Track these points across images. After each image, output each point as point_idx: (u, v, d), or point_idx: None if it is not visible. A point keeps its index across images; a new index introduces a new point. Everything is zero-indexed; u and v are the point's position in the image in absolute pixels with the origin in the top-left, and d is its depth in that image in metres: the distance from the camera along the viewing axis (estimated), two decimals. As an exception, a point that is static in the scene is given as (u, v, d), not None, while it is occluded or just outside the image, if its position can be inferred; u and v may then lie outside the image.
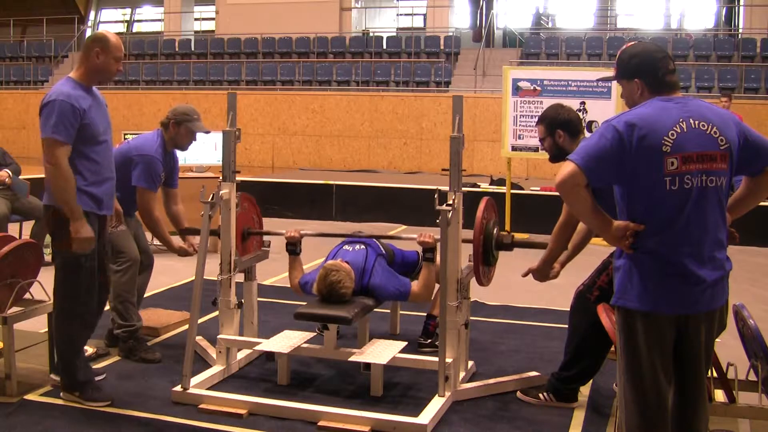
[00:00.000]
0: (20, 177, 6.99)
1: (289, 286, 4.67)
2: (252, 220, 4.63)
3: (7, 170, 6.80)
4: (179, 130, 4.65)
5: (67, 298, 3.81)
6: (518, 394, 4.00)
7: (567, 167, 2.60)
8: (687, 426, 2.80)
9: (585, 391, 4.03)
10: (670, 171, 2.59)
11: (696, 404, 2.80)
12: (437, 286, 4.63)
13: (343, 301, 4.22)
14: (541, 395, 3.92)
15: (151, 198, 4.57)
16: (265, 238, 4.77)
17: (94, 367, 4.35)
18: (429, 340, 4.73)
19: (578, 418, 3.80)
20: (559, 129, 3.93)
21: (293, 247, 4.54)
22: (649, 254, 2.64)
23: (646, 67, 2.74)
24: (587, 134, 3.90)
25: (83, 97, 3.72)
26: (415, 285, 4.43)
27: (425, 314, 4.86)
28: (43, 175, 3.77)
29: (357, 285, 4.33)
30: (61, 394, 3.88)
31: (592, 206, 2.66)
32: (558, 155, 3.94)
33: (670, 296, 2.64)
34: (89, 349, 4.49)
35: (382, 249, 4.63)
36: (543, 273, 3.91)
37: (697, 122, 2.64)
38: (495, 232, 4.07)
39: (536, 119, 4.15)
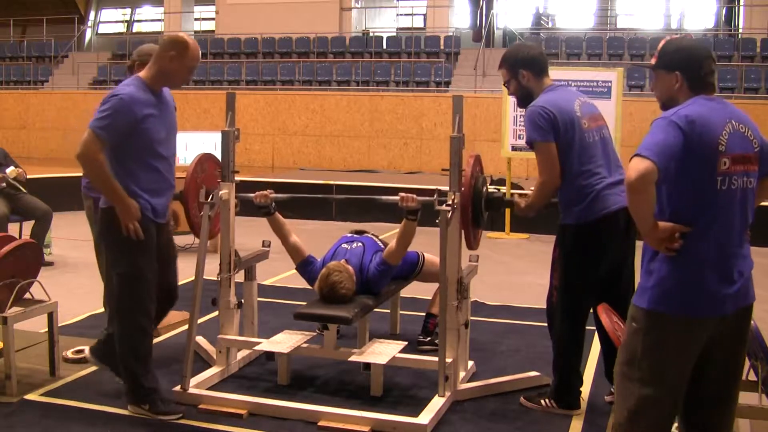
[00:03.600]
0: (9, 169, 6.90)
1: (288, 285, 4.67)
2: (217, 183, 4.31)
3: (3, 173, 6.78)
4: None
5: (127, 311, 3.71)
6: (522, 400, 3.98)
7: (642, 163, 2.49)
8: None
9: (585, 391, 4.02)
10: (722, 171, 2.58)
11: (729, 411, 2.77)
12: (437, 285, 4.63)
13: (342, 302, 4.22)
14: (543, 401, 3.91)
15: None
16: (265, 238, 4.76)
17: (94, 367, 4.36)
18: (428, 339, 4.73)
19: (578, 418, 3.80)
20: (522, 69, 3.77)
21: (266, 209, 4.43)
22: (693, 256, 2.59)
23: (691, 62, 2.71)
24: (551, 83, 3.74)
25: (146, 103, 3.63)
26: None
27: (424, 313, 4.87)
28: (43, 176, 3.77)
29: (357, 284, 4.33)
30: (129, 407, 3.75)
31: (653, 206, 2.58)
32: (525, 97, 3.79)
33: (712, 299, 2.60)
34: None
35: (380, 245, 4.63)
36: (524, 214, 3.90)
37: (738, 124, 2.64)
38: (484, 190, 3.94)
39: None
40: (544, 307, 3.95)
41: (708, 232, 2.60)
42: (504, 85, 3.92)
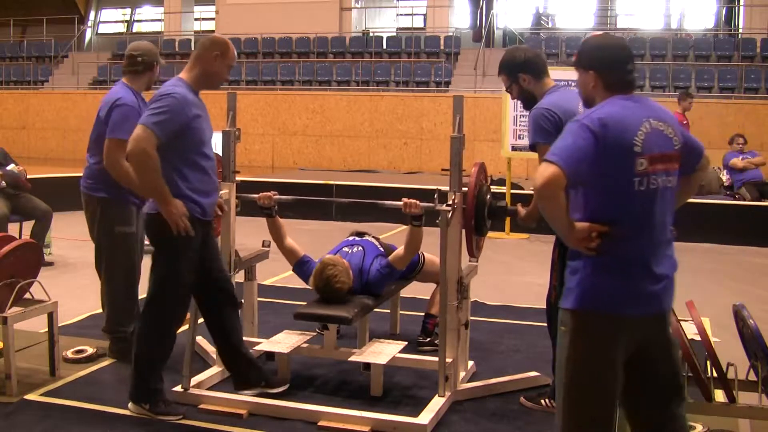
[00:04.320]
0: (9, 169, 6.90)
1: (288, 285, 4.67)
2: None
3: None
4: (157, 69, 4.55)
5: (158, 314, 3.72)
6: (521, 400, 3.98)
7: (548, 169, 2.46)
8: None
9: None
10: (639, 171, 2.54)
11: (675, 409, 2.71)
12: (436, 285, 4.63)
13: (339, 297, 4.20)
14: (543, 401, 3.90)
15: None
16: (265, 239, 4.75)
17: (94, 367, 4.36)
18: (428, 339, 4.73)
19: (578, 418, 3.79)
20: (521, 72, 3.75)
21: (268, 211, 4.44)
22: (615, 255, 2.57)
23: (607, 62, 2.69)
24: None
25: (194, 104, 3.66)
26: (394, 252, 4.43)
27: (424, 313, 4.87)
28: (43, 175, 3.77)
29: (357, 284, 4.32)
30: (129, 405, 3.75)
31: (566, 210, 2.56)
32: (529, 100, 3.77)
33: (636, 298, 2.58)
34: (89, 349, 4.49)
35: (381, 249, 4.63)
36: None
37: (656, 122, 2.61)
38: (488, 199, 3.94)
39: None
40: (544, 307, 3.95)
41: (629, 232, 2.57)
42: (506, 90, 3.90)
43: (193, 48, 15.79)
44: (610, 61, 2.68)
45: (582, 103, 2.80)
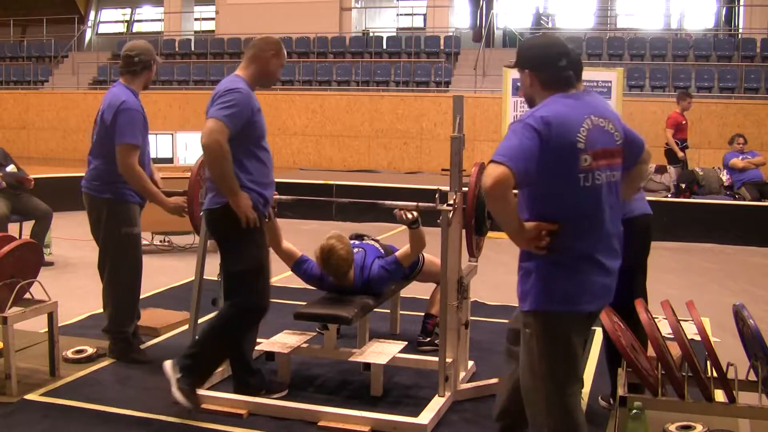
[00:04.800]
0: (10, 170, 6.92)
1: (289, 285, 4.67)
2: None
3: None
4: (154, 68, 4.56)
5: (248, 302, 3.78)
6: None
7: (496, 170, 2.48)
8: None
9: (585, 391, 4.02)
10: (583, 167, 2.59)
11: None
12: (435, 286, 4.63)
13: (342, 269, 4.22)
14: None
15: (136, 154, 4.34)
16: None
17: (94, 367, 4.36)
18: (428, 339, 4.73)
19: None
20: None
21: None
22: (566, 253, 2.60)
23: (541, 61, 2.72)
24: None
25: (255, 99, 3.76)
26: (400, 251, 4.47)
27: (424, 313, 4.87)
28: (43, 175, 3.77)
29: (358, 280, 4.32)
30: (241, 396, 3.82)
31: (515, 209, 2.59)
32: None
33: (592, 293, 2.65)
34: (89, 349, 4.50)
35: (381, 251, 4.63)
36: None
37: (597, 118, 2.64)
38: None
39: None
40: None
41: (578, 229, 2.62)
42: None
43: (192, 48, 15.73)
44: (541, 60, 2.72)
45: (525, 102, 2.84)
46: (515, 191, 2.56)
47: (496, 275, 6.89)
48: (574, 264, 2.62)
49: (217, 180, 3.64)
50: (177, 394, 3.66)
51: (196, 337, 3.95)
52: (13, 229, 6.53)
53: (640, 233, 3.71)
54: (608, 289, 2.69)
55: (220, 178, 3.60)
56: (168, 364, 3.74)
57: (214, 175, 3.63)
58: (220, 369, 4.18)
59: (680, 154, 10.77)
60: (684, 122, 10.93)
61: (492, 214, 2.64)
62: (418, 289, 5.42)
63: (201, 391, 3.91)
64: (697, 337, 3.45)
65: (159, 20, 24.39)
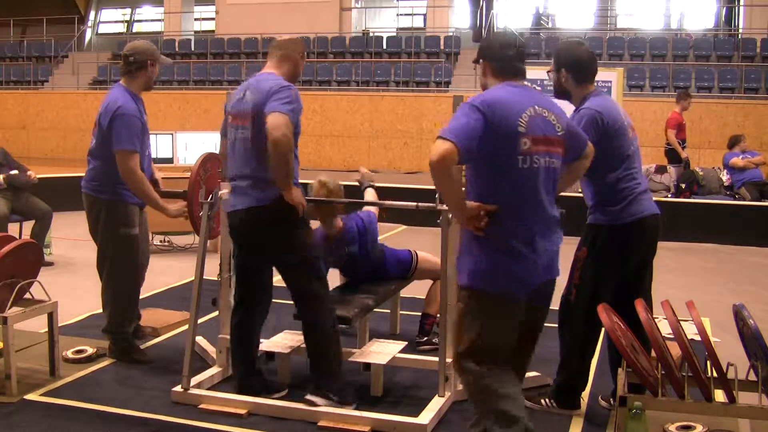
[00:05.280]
0: (13, 172, 6.93)
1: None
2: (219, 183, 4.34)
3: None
4: (155, 69, 4.52)
5: (322, 298, 3.83)
6: None
7: (443, 145, 2.71)
8: None
9: (585, 391, 4.02)
10: (522, 150, 2.81)
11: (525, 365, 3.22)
12: (433, 291, 4.63)
13: (332, 207, 4.43)
14: (543, 401, 3.90)
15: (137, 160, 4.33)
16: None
17: (94, 367, 4.37)
18: (425, 338, 4.73)
19: (578, 418, 3.80)
20: (565, 69, 3.70)
21: None
22: (504, 233, 2.81)
23: (491, 51, 3.07)
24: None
25: None
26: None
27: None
28: (42, 175, 3.77)
29: (361, 248, 4.53)
30: (316, 400, 3.73)
31: (458, 185, 2.84)
32: (564, 94, 3.75)
33: (527, 274, 2.85)
34: (89, 349, 4.50)
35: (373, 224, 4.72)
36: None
37: (540, 108, 2.89)
38: None
39: None
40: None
41: (515, 210, 2.84)
42: (547, 73, 3.85)
43: (192, 48, 15.72)
44: (493, 50, 3.06)
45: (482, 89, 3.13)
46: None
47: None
48: (510, 246, 2.82)
49: (282, 174, 3.61)
50: (351, 407, 3.73)
51: (312, 357, 3.86)
52: (13, 229, 6.53)
53: (650, 233, 3.73)
54: (543, 268, 2.92)
55: (285, 173, 3.61)
56: (314, 399, 3.72)
57: (282, 169, 3.60)
58: (219, 369, 4.18)
59: (684, 153, 10.77)
60: (683, 123, 10.93)
61: (436, 187, 2.87)
62: (418, 289, 5.41)
63: (201, 391, 3.91)
64: (697, 337, 3.45)
65: (159, 20, 24.39)
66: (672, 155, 10.86)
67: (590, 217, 3.75)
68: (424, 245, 5.40)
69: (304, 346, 4.22)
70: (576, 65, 3.72)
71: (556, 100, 3.30)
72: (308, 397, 3.74)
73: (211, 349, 4.47)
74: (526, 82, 3.05)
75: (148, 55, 4.45)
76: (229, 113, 3.85)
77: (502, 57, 3.02)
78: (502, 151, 2.80)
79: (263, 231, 3.78)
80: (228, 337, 4.25)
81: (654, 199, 3.89)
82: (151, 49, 4.51)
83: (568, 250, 4.01)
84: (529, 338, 3.11)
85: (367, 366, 4.07)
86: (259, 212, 3.72)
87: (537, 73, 9.27)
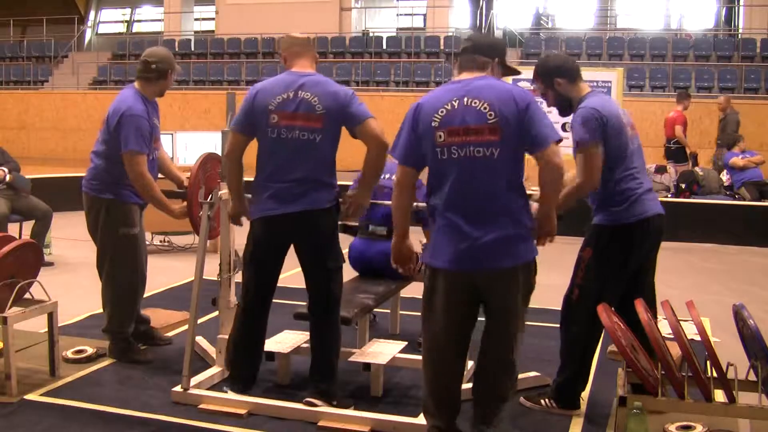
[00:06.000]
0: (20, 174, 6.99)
1: (288, 286, 4.66)
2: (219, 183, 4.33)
3: (3, 168, 6.79)
4: (173, 78, 4.54)
5: (340, 304, 3.88)
6: (521, 399, 3.97)
7: (399, 172, 3.17)
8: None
9: (585, 391, 4.02)
10: (439, 143, 3.05)
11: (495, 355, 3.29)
12: None
13: None
14: (542, 401, 3.90)
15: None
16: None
17: (94, 367, 4.36)
18: None
19: (578, 418, 3.79)
20: (557, 77, 3.72)
21: None
22: (445, 218, 3.08)
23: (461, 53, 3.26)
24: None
25: None
26: None
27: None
28: (43, 175, 3.77)
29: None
30: (334, 403, 3.73)
31: (405, 206, 3.24)
32: (565, 105, 3.75)
33: (463, 255, 3.03)
34: (89, 349, 4.49)
35: None
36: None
37: (470, 100, 3.02)
38: None
39: None
40: (544, 306, 3.96)
41: (441, 194, 3.07)
42: (542, 97, 3.83)
43: (192, 48, 15.67)
44: (461, 52, 3.29)
45: None
46: None
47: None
48: (449, 229, 3.06)
49: (376, 177, 3.77)
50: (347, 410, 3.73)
51: (321, 361, 3.85)
52: (13, 229, 6.53)
53: (655, 233, 3.72)
54: (473, 253, 3.02)
55: (376, 178, 3.77)
56: (315, 401, 3.71)
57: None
58: (219, 369, 4.18)
59: (692, 149, 10.80)
60: (686, 121, 10.98)
61: (393, 201, 3.23)
62: (418, 289, 5.41)
63: (201, 391, 3.91)
64: (697, 337, 3.45)
65: (159, 20, 24.39)
66: (677, 154, 10.85)
67: (594, 218, 3.76)
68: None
69: (304, 345, 4.23)
70: (563, 68, 3.76)
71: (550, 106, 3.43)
72: (309, 399, 3.73)
73: (211, 349, 4.47)
74: (481, 73, 3.16)
75: (170, 65, 4.46)
76: (275, 112, 3.65)
77: (460, 55, 3.28)
78: (426, 146, 3.08)
79: (317, 232, 3.75)
80: (226, 337, 4.25)
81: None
82: (172, 58, 4.54)
83: (570, 250, 4.02)
84: (496, 326, 3.23)
85: (367, 366, 4.07)
86: (324, 214, 3.70)
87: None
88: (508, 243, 3.04)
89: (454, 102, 3.04)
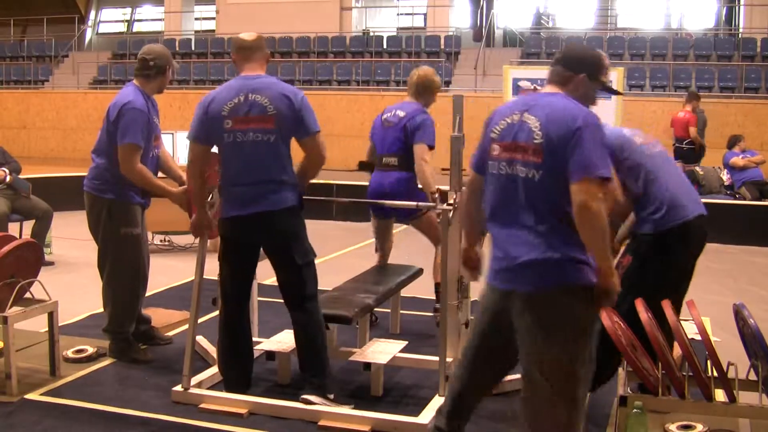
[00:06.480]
0: (20, 176, 7.00)
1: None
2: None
3: (4, 169, 6.80)
4: (169, 73, 4.56)
5: (317, 298, 3.92)
6: None
7: (470, 174, 3.09)
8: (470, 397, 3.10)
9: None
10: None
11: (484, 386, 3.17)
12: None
13: None
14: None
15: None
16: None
17: (94, 367, 4.37)
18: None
19: (578, 417, 3.79)
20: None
21: None
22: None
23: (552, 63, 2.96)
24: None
25: None
26: None
27: (424, 313, 4.86)
28: (43, 175, 3.78)
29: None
30: (313, 398, 3.73)
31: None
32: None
33: (493, 270, 2.88)
34: (89, 349, 4.50)
35: None
36: None
37: (528, 116, 2.81)
38: None
39: None
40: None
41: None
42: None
43: (193, 48, 15.66)
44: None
45: None
46: None
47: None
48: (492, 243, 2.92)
49: (308, 181, 3.91)
50: (343, 408, 3.72)
51: (307, 354, 3.87)
52: (13, 228, 6.53)
53: (696, 236, 3.86)
54: (501, 273, 2.82)
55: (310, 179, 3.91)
56: (311, 398, 3.72)
57: (310, 179, 3.93)
58: (218, 370, 4.18)
59: (704, 144, 10.85)
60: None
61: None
62: (418, 289, 5.42)
63: (201, 391, 3.91)
64: (698, 337, 3.45)
65: (159, 20, 24.38)
66: (688, 155, 10.87)
67: (635, 227, 3.77)
68: (426, 244, 5.40)
69: (304, 345, 4.23)
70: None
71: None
72: (305, 396, 3.74)
73: (211, 349, 4.47)
74: (559, 88, 2.85)
75: (168, 61, 4.50)
76: (228, 118, 3.72)
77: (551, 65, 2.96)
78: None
79: (287, 231, 3.81)
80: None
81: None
82: (169, 55, 4.58)
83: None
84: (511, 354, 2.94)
85: (368, 366, 4.07)
86: (290, 212, 3.77)
87: (537, 72, 9.28)
88: (531, 267, 2.73)
89: (515, 116, 2.79)
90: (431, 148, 4.89)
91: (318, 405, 3.69)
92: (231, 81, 3.84)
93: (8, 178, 6.76)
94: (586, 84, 2.85)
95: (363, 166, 4.61)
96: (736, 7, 19.37)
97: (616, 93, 3.24)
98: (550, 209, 2.70)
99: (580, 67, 2.85)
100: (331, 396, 3.75)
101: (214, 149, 3.89)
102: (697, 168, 10.98)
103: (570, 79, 2.84)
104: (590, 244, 2.64)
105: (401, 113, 5.02)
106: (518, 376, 4.20)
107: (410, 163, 4.88)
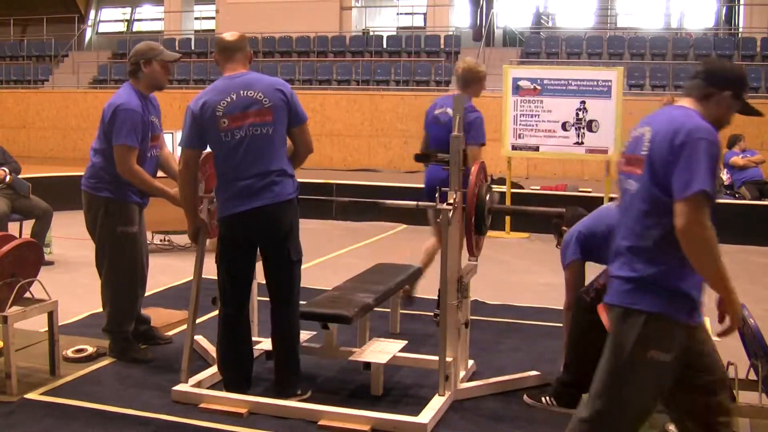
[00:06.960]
0: (20, 176, 7.00)
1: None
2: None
3: (4, 168, 6.80)
4: (152, 68, 4.46)
5: (299, 291, 4.01)
6: (525, 397, 3.98)
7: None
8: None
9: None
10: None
11: None
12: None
13: None
14: (543, 399, 3.91)
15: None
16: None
17: (94, 367, 4.37)
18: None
19: (578, 417, 3.79)
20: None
21: None
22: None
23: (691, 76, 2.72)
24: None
25: None
26: None
27: (424, 313, 4.86)
28: (43, 175, 3.78)
29: None
30: (291, 400, 3.82)
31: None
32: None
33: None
34: (89, 348, 4.49)
35: None
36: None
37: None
38: (488, 198, 3.97)
39: (536, 118, 4.10)
40: (545, 306, 3.94)
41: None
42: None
43: (192, 47, 15.64)
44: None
45: None
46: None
47: (496, 275, 6.90)
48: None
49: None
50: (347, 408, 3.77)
51: (289, 352, 3.95)
52: (13, 228, 6.53)
53: None
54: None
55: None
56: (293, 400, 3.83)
57: (297, 166, 4.00)
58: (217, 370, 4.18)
59: None
60: None
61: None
62: (418, 289, 5.42)
63: (201, 391, 3.91)
64: (698, 337, 3.44)
65: (159, 19, 24.38)
66: None
67: None
68: (423, 244, 5.40)
69: (304, 345, 4.23)
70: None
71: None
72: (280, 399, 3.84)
73: (210, 349, 4.47)
74: (694, 103, 2.61)
75: (140, 56, 4.45)
76: (223, 117, 3.74)
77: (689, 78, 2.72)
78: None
79: (285, 225, 3.83)
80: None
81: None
82: (143, 50, 4.48)
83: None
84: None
85: (367, 365, 4.07)
86: (289, 205, 3.83)
87: (537, 72, 9.29)
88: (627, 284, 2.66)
89: (642, 129, 2.60)
90: (482, 145, 5.09)
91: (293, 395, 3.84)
92: (216, 83, 3.87)
93: (8, 178, 6.77)
94: (729, 102, 2.64)
95: (419, 158, 4.56)
96: (736, 7, 19.38)
97: (758, 114, 2.89)
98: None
99: (725, 83, 2.64)
100: (299, 392, 3.89)
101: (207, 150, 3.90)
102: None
103: (712, 95, 2.61)
104: (698, 270, 2.62)
105: (451, 111, 5.03)
106: (520, 375, 4.22)
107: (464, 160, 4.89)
